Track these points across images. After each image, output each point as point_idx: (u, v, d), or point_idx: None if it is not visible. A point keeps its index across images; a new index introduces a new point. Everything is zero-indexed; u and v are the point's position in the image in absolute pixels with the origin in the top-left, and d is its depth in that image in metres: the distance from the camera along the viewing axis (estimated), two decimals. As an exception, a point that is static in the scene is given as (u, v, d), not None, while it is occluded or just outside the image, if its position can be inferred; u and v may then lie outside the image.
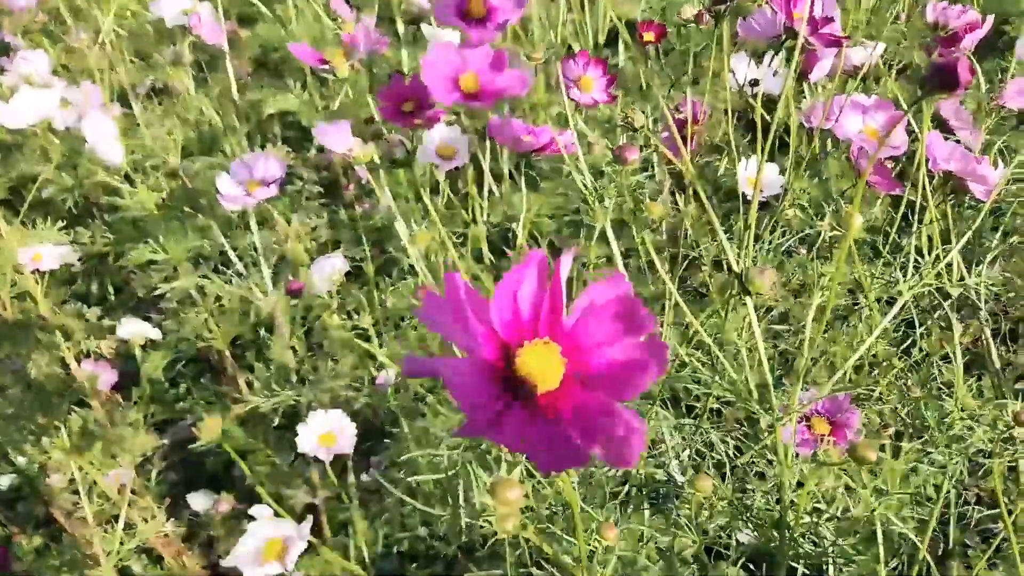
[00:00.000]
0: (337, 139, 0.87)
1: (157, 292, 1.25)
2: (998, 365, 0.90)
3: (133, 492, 1.36)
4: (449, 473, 0.87)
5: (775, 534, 0.80)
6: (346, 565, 0.98)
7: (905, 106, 0.98)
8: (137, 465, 1.42)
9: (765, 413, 0.70)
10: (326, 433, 1.04)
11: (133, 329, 1.22)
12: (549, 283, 0.41)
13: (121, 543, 1.11)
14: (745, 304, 1.02)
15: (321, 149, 1.65)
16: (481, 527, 1.10)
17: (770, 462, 0.90)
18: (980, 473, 1.04)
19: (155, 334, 1.22)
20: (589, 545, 0.67)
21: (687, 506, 0.81)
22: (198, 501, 1.47)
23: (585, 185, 0.84)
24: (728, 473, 0.84)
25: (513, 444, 0.38)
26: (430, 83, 0.87)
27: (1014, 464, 0.91)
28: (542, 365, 0.40)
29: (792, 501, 0.78)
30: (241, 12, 1.83)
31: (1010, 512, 0.89)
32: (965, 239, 0.77)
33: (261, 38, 1.79)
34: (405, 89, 0.94)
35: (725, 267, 1.14)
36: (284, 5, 1.64)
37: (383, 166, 0.68)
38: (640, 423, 0.37)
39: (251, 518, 0.81)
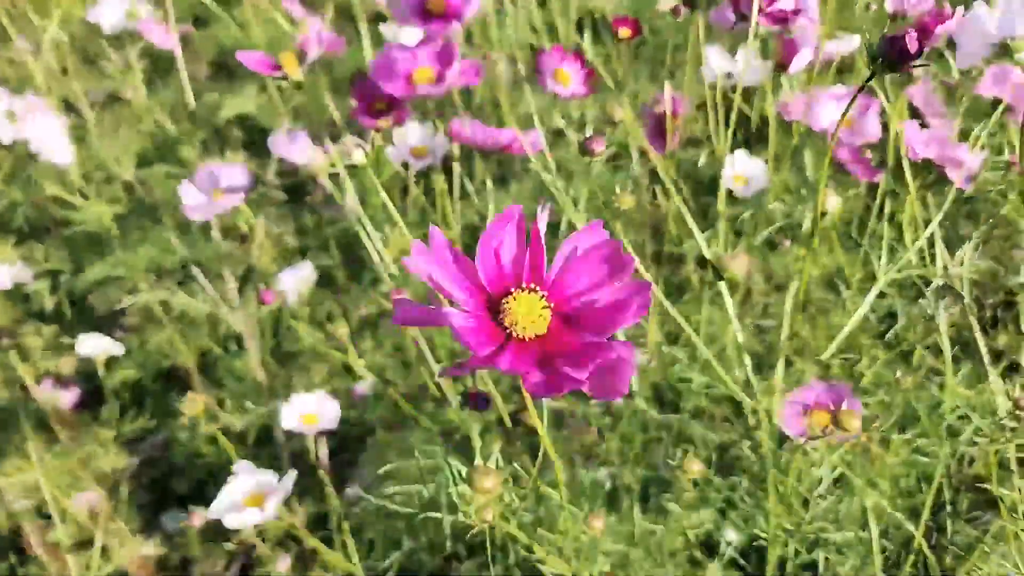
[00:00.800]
0: (294, 150, 0.83)
1: (119, 307, 1.19)
2: (985, 352, 0.89)
3: (101, 515, 1.31)
4: (429, 484, 0.84)
5: (765, 525, 0.78)
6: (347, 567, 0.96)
7: (882, 95, 0.97)
8: (108, 487, 1.37)
9: (748, 398, 0.69)
10: (309, 413, 1.02)
11: (94, 345, 1.17)
12: (529, 240, 0.44)
13: (89, 567, 1.06)
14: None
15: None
16: (467, 536, 1.08)
17: (755, 450, 0.89)
18: (967, 463, 1.04)
19: (118, 350, 1.17)
20: (576, 542, 0.65)
21: (676, 503, 0.80)
22: (170, 521, 1.42)
23: (556, 185, 0.82)
24: (716, 464, 0.82)
25: (512, 370, 0.41)
26: (379, 81, 0.86)
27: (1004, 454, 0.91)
28: (528, 313, 0.42)
29: (781, 491, 0.77)
30: (197, 13, 1.76)
31: (1001, 500, 0.89)
32: (939, 218, 0.77)
33: (217, 40, 1.73)
34: (377, 87, 0.91)
35: (696, 261, 1.13)
36: (241, 7, 1.58)
37: (346, 167, 0.66)
38: (629, 351, 0.39)
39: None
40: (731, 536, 0.94)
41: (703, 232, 1.04)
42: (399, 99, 0.89)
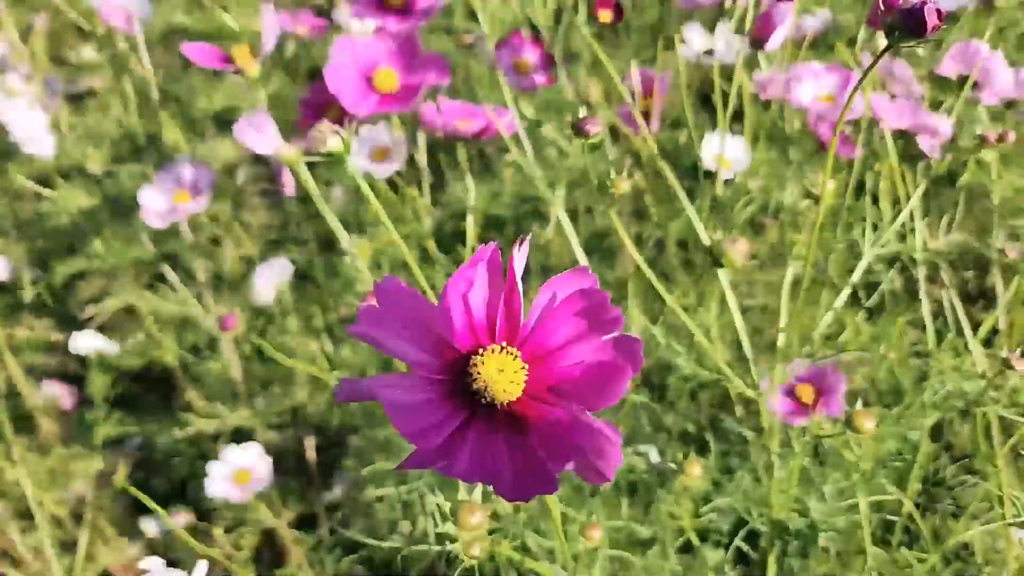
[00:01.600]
0: (260, 139, 0.79)
1: (94, 308, 1.17)
2: (965, 319, 0.89)
3: (83, 516, 1.29)
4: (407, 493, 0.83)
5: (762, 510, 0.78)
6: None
7: (858, 71, 0.97)
8: (89, 490, 1.34)
9: (745, 385, 0.68)
10: (242, 471, 0.98)
11: (87, 344, 1.14)
12: (504, 282, 0.37)
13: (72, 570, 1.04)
14: (714, 281, 1.00)
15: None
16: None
17: (745, 441, 0.88)
18: (951, 434, 1.05)
19: (111, 349, 1.14)
20: (572, 550, 0.64)
21: (669, 495, 0.79)
22: (151, 525, 1.40)
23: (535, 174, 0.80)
24: (710, 452, 0.82)
25: (470, 473, 0.34)
26: (338, 91, 0.80)
27: (986, 423, 0.91)
28: (501, 373, 0.36)
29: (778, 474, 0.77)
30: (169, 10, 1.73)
31: (980, 473, 0.89)
32: (920, 191, 0.76)
33: (195, 32, 1.70)
34: (327, 94, 0.86)
35: (692, 245, 1.12)
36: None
37: (317, 155, 0.62)
38: (615, 433, 0.33)
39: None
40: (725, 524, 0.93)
41: (683, 214, 1.03)
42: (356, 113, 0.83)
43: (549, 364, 0.37)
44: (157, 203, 0.98)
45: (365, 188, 0.56)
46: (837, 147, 0.97)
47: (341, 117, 0.83)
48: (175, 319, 1.18)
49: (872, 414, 0.56)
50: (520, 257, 0.37)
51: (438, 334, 0.36)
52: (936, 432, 1.08)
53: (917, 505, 0.93)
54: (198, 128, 1.44)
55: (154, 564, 0.73)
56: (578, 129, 0.58)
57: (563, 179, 0.86)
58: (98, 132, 1.18)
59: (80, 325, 1.31)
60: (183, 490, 1.43)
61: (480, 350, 0.37)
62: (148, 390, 1.51)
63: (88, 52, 1.12)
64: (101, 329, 1.32)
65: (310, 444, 1.17)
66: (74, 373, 1.42)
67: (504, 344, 0.37)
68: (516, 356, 0.36)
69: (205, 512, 1.26)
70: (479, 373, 0.36)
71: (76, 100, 1.48)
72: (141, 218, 1.05)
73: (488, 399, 0.36)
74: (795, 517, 0.75)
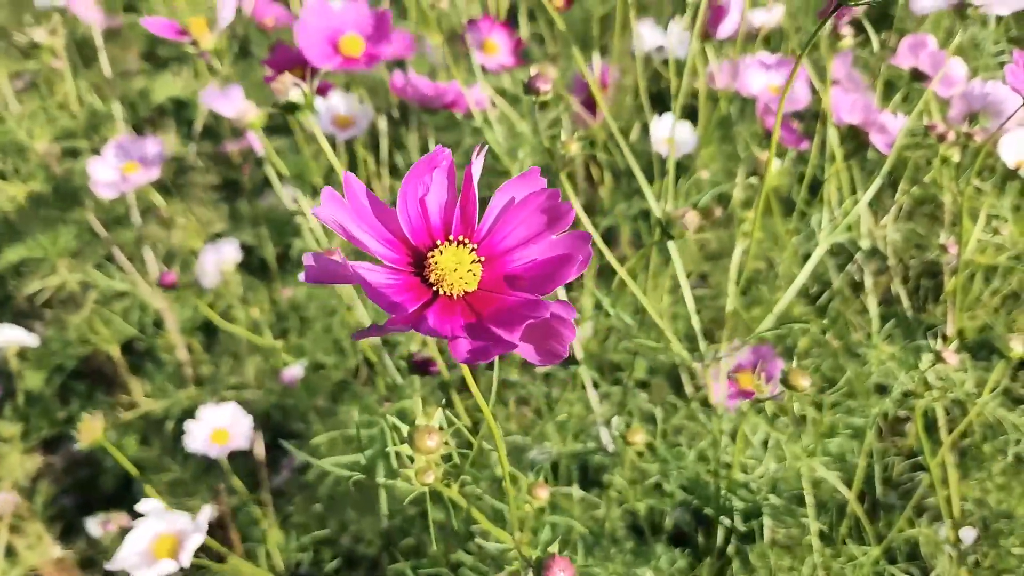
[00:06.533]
0: (227, 104, 0.80)
1: (32, 291, 1.13)
2: (908, 311, 0.90)
3: (19, 517, 1.24)
4: (363, 463, 0.81)
5: (709, 491, 0.77)
6: (257, 572, 0.91)
7: (806, 65, 0.99)
8: (24, 488, 1.29)
9: (692, 359, 0.68)
10: (219, 429, 0.94)
11: (5, 336, 1.10)
12: (460, 187, 0.39)
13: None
14: (664, 269, 1.00)
15: (218, 141, 1.56)
16: (403, 530, 1.04)
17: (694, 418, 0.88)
18: (899, 424, 1.05)
19: (31, 341, 1.10)
20: (519, 511, 0.62)
21: (618, 476, 0.78)
22: (95, 525, 1.35)
23: (497, 142, 0.80)
24: (659, 436, 0.81)
25: (435, 333, 0.36)
26: (305, 47, 0.82)
27: (932, 417, 0.91)
28: (456, 267, 0.38)
29: (722, 458, 0.76)
30: (127, 2, 1.71)
31: (924, 468, 0.90)
32: (876, 185, 0.77)
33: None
34: (291, 55, 0.88)
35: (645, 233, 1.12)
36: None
37: (280, 109, 0.62)
38: (568, 311, 0.35)
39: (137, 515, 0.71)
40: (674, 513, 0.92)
41: (632, 201, 1.03)
42: (317, 68, 0.86)
43: (505, 259, 0.39)
44: (106, 174, 0.96)
45: (321, 137, 0.56)
46: (788, 139, 0.98)
47: (304, 76, 0.85)
48: (119, 301, 1.15)
49: (806, 372, 0.56)
50: (478, 164, 0.39)
51: (397, 230, 0.39)
52: (890, 430, 1.09)
53: (861, 500, 0.94)
54: (157, 125, 1.42)
55: (151, 507, 0.69)
56: (529, 87, 0.58)
57: (524, 146, 0.86)
58: (45, 114, 1.15)
59: (24, 315, 1.27)
60: (128, 490, 1.39)
61: (436, 245, 0.39)
62: (95, 387, 1.47)
63: (40, 34, 1.10)
64: (43, 322, 1.28)
65: (258, 437, 1.15)
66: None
67: (460, 238, 0.39)
68: (472, 250, 0.39)
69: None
70: (436, 266, 0.38)
71: (29, 89, 1.45)
72: (91, 205, 1.03)
73: (445, 291, 0.38)
74: (736, 496, 0.74)
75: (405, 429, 0.48)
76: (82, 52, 1.45)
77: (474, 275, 0.38)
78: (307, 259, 0.36)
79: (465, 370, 0.42)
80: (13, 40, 1.28)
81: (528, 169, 0.40)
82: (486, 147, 0.40)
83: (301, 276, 0.37)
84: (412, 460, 0.48)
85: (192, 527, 0.68)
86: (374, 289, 0.36)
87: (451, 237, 0.39)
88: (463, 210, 0.39)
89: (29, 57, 1.34)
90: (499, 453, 0.46)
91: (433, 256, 0.38)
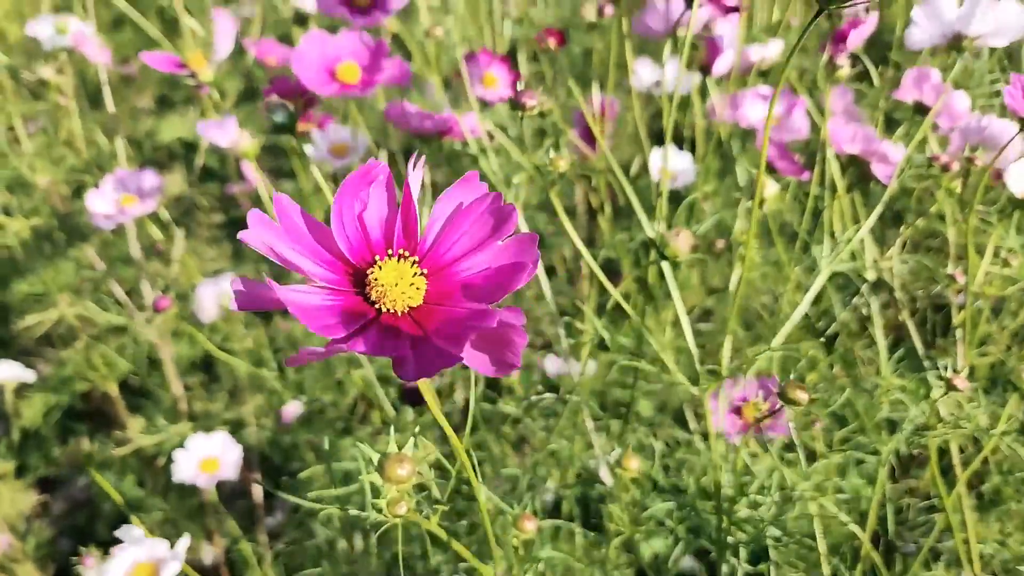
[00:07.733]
0: (221, 134, 0.81)
1: (29, 324, 1.13)
2: (918, 344, 0.88)
3: (11, 559, 1.21)
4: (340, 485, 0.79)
5: (712, 527, 0.74)
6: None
7: (803, 94, 0.98)
8: (18, 530, 1.27)
9: (692, 385, 0.66)
10: (208, 459, 0.93)
11: (3, 373, 1.09)
12: (400, 200, 0.38)
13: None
14: (666, 307, 0.99)
15: (224, 181, 1.57)
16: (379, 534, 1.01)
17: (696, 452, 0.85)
18: (913, 464, 1.02)
19: (28, 376, 1.09)
20: (507, 546, 0.60)
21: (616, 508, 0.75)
22: (88, 571, 1.32)
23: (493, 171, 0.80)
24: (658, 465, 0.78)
25: (376, 352, 0.34)
26: (302, 74, 0.84)
27: (946, 450, 0.88)
28: (398, 282, 0.36)
29: (724, 491, 0.73)
30: (142, 46, 1.76)
31: (940, 509, 0.86)
32: (877, 212, 0.76)
33: (161, 75, 1.72)
34: (291, 86, 0.89)
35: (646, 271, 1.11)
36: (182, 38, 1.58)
37: (270, 125, 0.62)
38: (517, 317, 0.33)
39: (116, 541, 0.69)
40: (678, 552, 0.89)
41: (633, 233, 1.02)
42: (315, 97, 0.87)
43: (452, 270, 0.38)
44: (104, 206, 0.97)
45: (312, 165, 0.56)
46: (788, 169, 0.97)
47: (304, 106, 0.86)
48: (116, 336, 1.14)
49: (805, 387, 0.54)
50: (415, 176, 0.38)
51: (333, 249, 0.37)
52: (903, 469, 1.05)
53: (876, 543, 0.90)
54: (160, 161, 1.44)
55: (131, 534, 0.67)
56: (515, 102, 0.58)
57: (523, 177, 0.86)
58: (50, 152, 1.17)
59: (28, 352, 1.27)
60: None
61: (376, 261, 0.37)
62: (96, 427, 1.46)
63: (47, 72, 1.13)
64: (45, 360, 1.28)
65: (255, 478, 1.12)
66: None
67: (401, 252, 0.38)
68: (414, 263, 0.37)
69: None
70: (375, 283, 0.37)
71: (38, 131, 1.48)
72: (94, 241, 1.03)
73: (388, 308, 0.36)
74: (738, 530, 0.71)
75: (376, 458, 0.46)
76: (92, 95, 1.48)
77: (418, 289, 0.37)
78: (235, 284, 0.34)
79: (430, 399, 0.40)
80: (23, 79, 1.31)
81: (467, 174, 0.38)
82: (423, 157, 0.39)
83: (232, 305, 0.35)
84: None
85: (170, 555, 0.66)
86: (304, 311, 0.34)
87: (390, 252, 0.38)
88: (404, 223, 0.38)
89: (39, 98, 1.36)
90: (472, 482, 0.44)
91: (372, 273, 0.37)
